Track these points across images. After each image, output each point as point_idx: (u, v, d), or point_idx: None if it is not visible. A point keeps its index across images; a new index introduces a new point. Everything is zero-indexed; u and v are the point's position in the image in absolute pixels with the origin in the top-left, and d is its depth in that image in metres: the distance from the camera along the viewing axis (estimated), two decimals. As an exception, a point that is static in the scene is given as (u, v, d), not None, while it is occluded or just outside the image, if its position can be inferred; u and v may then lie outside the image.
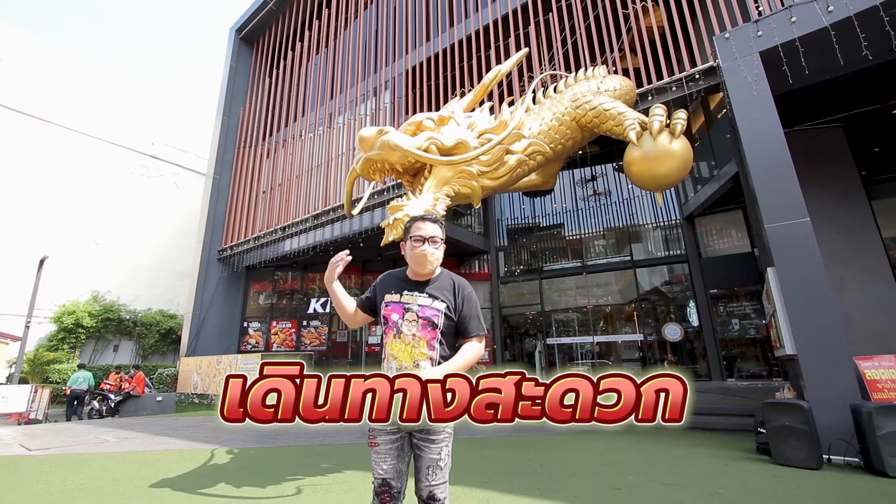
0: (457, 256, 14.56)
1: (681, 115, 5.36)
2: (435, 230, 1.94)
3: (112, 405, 11.85)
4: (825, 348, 4.70)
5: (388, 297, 1.92)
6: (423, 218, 1.99)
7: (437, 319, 1.90)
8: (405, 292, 1.92)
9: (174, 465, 4.94)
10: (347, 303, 2.04)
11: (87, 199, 19.28)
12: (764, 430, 4.74)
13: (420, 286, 1.95)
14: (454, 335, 1.96)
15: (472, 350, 1.95)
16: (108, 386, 12.65)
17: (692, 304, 11.92)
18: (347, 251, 2.05)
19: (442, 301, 1.93)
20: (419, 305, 1.90)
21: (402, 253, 2.03)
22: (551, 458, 4.95)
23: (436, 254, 1.93)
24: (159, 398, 12.64)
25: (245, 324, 16.12)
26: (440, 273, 2.00)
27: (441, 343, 1.90)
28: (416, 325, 1.87)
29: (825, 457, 4.30)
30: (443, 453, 1.80)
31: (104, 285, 18.68)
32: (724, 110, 10.41)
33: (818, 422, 4.31)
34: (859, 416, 4.19)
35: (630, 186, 13.77)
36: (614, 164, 14.24)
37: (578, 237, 14.24)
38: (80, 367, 13.20)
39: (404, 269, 2.05)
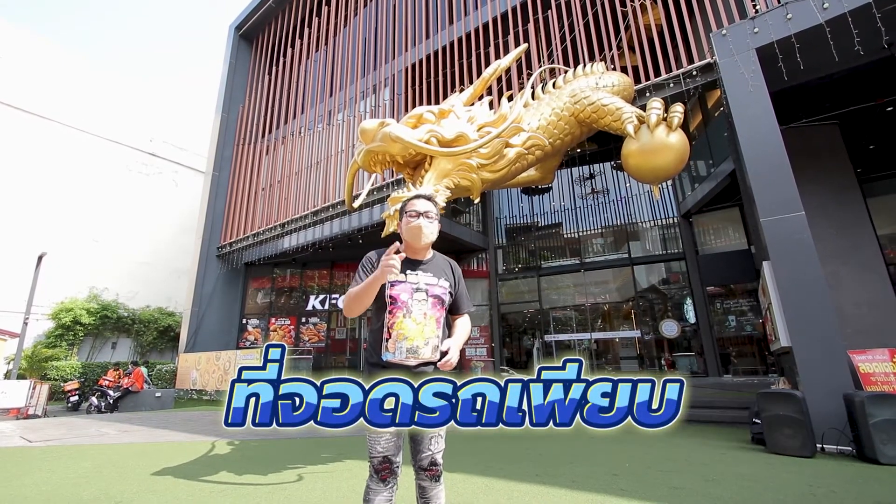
0: (455, 254, 14.60)
1: (678, 108, 5.42)
2: (428, 206, 1.96)
3: (111, 401, 11.89)
4: (819, 339, 4.77)
5: (390, 277, 1.86)
6: (416, 196, 2.01)
7: (446, 297, 1.96)
8: (408, 271, 1.91)
9: (175, 456, 4.98)
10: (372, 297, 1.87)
11: (86, 197, 19.26)
12: (759, 421, 4.81)
13: (420, 265, 1.96)
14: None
15: (468, 325, 2.10)
16: (106, 382, 12.69)
17: (689, 301, 11.99)
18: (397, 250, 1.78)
19: (445, 279, 1.99)
20: (427, 284, 1.91)
21: (399, 231, 2.03)
22: (549, 446, 5.00)
23: (430, 227, 1.94)
24: (158, 394, 12.67)
25: (244, 320, 16.14)
26: (433, 254, 2.05)
27: (445, 321, 1.97)
28: (426, 304, 1.89)
29: (818, 445, 4.37)
30: None
31: (103, 282, 18.67)
32: (722, 108, 10.49)
33: (812, 411, 4.38)
34: (852, 405, 4.27)
35: (628, 184, 13.84)
36: (612, 162, 14.30)
37: (577, 235, 14.30)
38: (145, 363, 13.94)
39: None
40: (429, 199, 2.00)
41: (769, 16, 5.83)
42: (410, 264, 1.94)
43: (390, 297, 1.87)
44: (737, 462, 4.17)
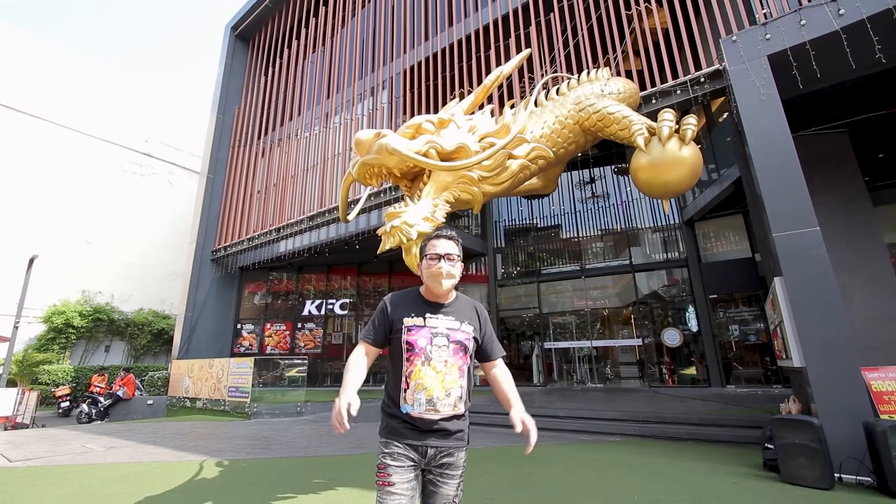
0: (454, 259, 14.35)
1: (691, 121, 5.19)
2: (451, 247, 1.83)
3: (102, 409, 11.62)
4: (835, 363, 4.56)
5: (408, 321, 1.75)
6: (437, 235, 1.88)
7: (469, 343, 1.79)
8: (428, 315, 1.77)
9: (159, 480, 4.74)
10: (363, 372, 1.79)
11: (80, 197, 18.95)
12: (772, 447, 4.60)
13: (441, 308, 1.82)
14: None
15: (510, 377, 1.94)
16: (97, 389, 12.42)
17: (691, 308, 11.80)
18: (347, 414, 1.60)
19: (469, 324, 1.82)
20: (448, 329, 1.76)
21: (419, 274, 1.90)
22: (552, 474, 4.78)
23: (452, 271, 1.80)
24: (150, 402, 12.41)
25: (238, 326, 15.88)
26: (456, 296, 1.90)
27: (469, 369, 1.80)
28: (447, 350, 1.73)
29: (836, 475, 4.16)
30: (459, 489, 1.74)
31: (96, 285, 18.38)
32: (726, 114, 10.28)
33: (829, 438, 4.17)
34: (873, 434, 4.04)
35: (629, 189, 13.64)
36: (613, 167, 14.11)
37: (577, 240, 14.10)
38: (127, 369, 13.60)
39: (414, 288, 1.92)
40: (450, 238, 1.86)
41: (781, 22, 5.61)
42: (431, 308, 1.80)
43: (407, 342, 1.72)
44: (750, 494, 3.95)
